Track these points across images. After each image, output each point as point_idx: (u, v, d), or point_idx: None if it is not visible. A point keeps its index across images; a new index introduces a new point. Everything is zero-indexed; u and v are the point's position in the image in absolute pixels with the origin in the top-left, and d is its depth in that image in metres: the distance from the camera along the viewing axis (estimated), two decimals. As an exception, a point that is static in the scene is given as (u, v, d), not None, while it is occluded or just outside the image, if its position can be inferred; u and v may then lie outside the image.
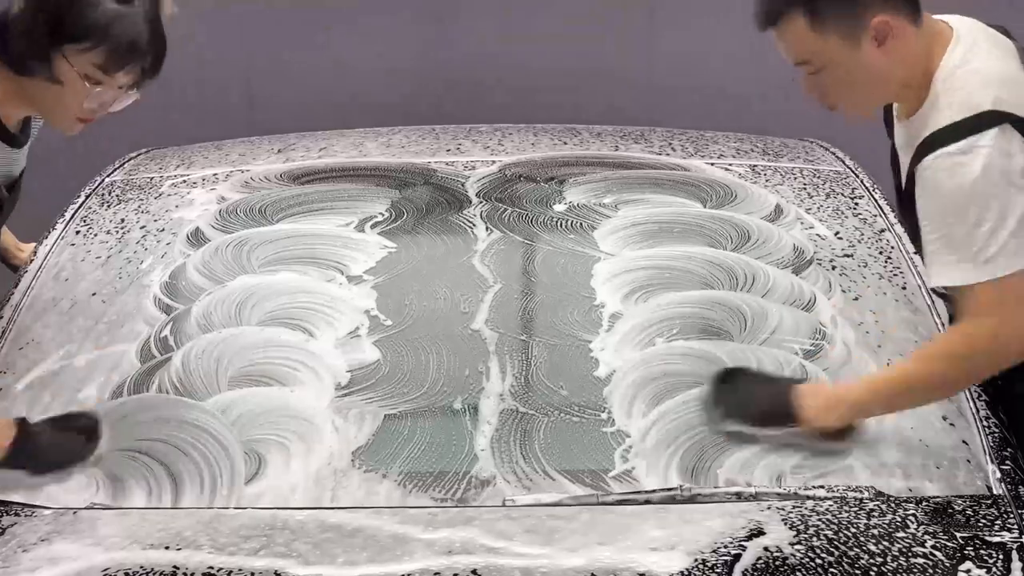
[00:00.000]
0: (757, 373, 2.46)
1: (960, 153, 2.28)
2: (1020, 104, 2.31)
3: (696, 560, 2.05)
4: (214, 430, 2.39)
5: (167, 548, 2.12)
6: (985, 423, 2.41)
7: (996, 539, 2.12)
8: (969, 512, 2.19)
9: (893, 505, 2.21)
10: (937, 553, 2.08)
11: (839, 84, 2.39)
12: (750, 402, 2.39)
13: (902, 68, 2.37)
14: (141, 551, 2.11)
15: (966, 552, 2.08)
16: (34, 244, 3.01)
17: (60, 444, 2.38)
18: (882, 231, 2.90)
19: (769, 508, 2.19)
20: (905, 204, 2.46)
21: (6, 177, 2.67)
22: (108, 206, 3.05)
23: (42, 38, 2.48)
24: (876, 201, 3.01)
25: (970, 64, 2.36)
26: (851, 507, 2.20)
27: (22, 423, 2.38)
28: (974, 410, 2.44)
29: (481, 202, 2.93)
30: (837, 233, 2.87)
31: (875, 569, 2.04)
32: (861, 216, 2.95)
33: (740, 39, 5.39)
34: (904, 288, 2.73)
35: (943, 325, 2.63)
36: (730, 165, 3.13)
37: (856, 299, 2.68)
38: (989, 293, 2.28)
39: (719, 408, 2.38)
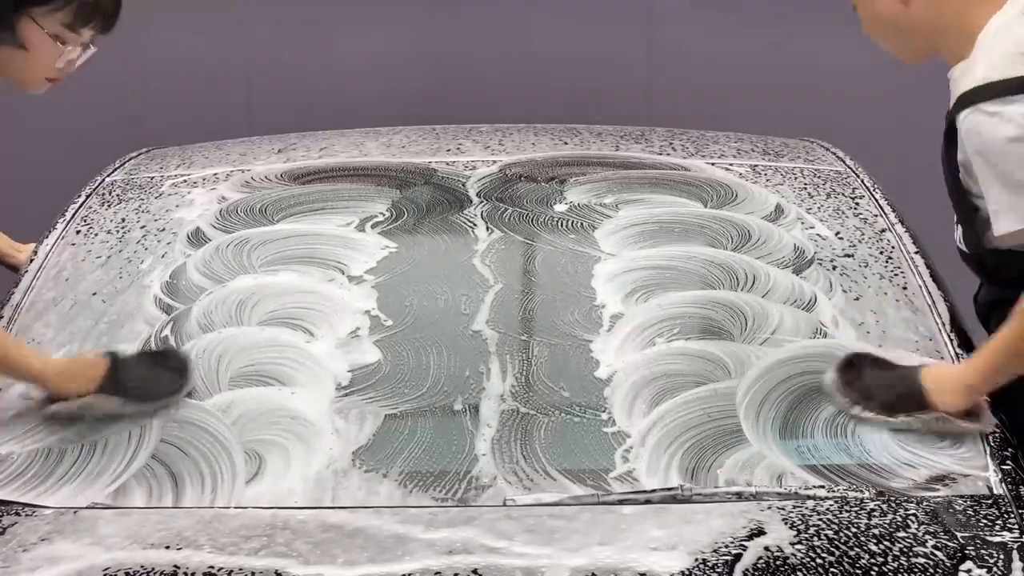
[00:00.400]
0: (879, 359, 2.48)
1: (996, 111, 2.35)
2: None
3: (697, 560, 2.05)
4: (214, 430, 2.39)
5: (167, 548, 2.12)
6: (986, 423, 2.41)
7: (997, 539, 2.12)
8: (970, 512, 2.20)
9: (894, 505, 2.21)
10: (938, 553, 2.08)
11: (879, 31, 2.63)
12: (880, 389, 2.41)
13: (935, 25, 2.50)
14: (141, 551, 2.11)
15: (967, 552, 2.08)
16: (33, 244, 3.01)
17: (154, 378, 2.46)
18: (883, 231, 2.89)
19: (770, 508, 2.19)
20: (946, 150, 2.54)
21: None
22: (108, 206, 3.05)
23: (5, 4, 2.52)
24: (877, 201, 3.01)
25: (1013, 29, 2.42)
26: (852, 507, 2.20)
27: (113, 357, 2.46)
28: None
29: (482, 202, 2.93)
30: (838, 233, 2.87)
31: (876, 569, 2.04)
32: (862, 216, 2.95)
33: (740, 39, 5.40)
34: (905, 288, 2.73)
35: (944, 325, 2.63)
36: (730, 165, 3.13)
37: (857, 299, 2.68)
38: None
39: (848, 396, 2.41)
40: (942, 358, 2.55)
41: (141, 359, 2.52)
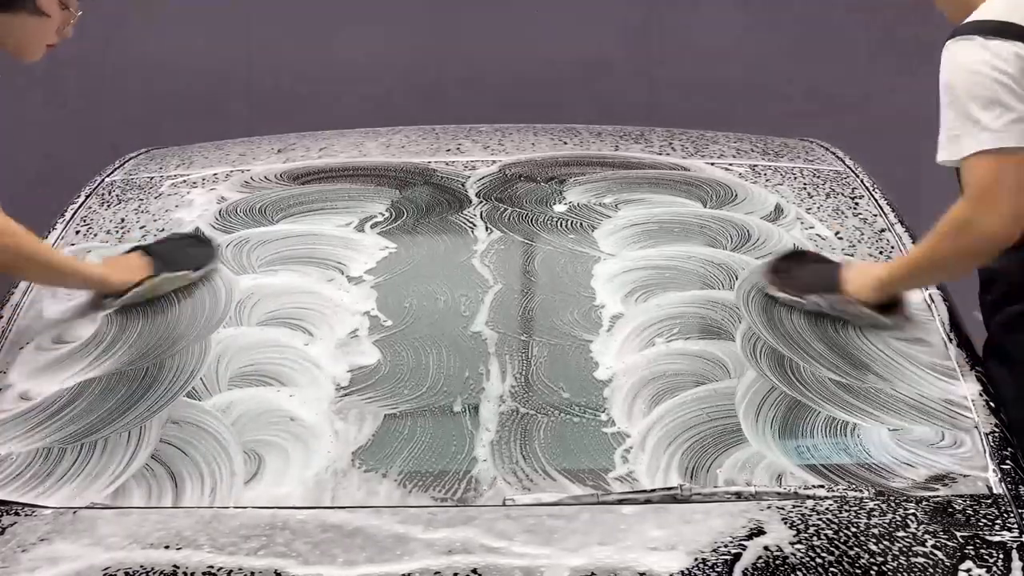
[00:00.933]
0: (814, 253, 2.75)
1: (978, 42, 2.58)
2: None
3: (696, 560, 2.05)
4: (214, 430, 2.39)
5: (167, 548, 2.12)
6: (986, 423, 2.41)
7: (996, 538, 2.12)
8: (969, 512, 2.20)
9: (893, 504, 2.21)
10: (937, 552, 2.08)
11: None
12: (803, 272, 2.68)
13: None
14: (141, 551, 2.12)
15: (966, 551, 2.08)
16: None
17: (187, 253, 2.75)
18: (882, 231, 2.90)
19: (769, 507, 2.19)
20: None
21: None
22: (108, 206, 3.05)
23: None
24: (876, 201, 3.01)
25: None
26: (851, 507, 2.20)
27: (143, 248, 2.76)
28: (974, 409, 2.44)
29: (481, 202, 2.93)
30: (837, 233, 2.87)
31: (875, 568, 2.04)
32: (861, 216, 2.95)
33: (741, 39, 5.41)
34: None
35: (943, 324, 2.63)
36: (730, 165, 3.13)
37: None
38: (983, 166, 2.54)
39: (773, 275, 2.67)
40: (942, 357, 2.55)
41: (168, 243, 2.79)
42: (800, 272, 2.69)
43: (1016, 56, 2.57)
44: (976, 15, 2.63)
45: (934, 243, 2.60)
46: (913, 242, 2.86)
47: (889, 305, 2.63)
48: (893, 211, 2.98)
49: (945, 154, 2.61)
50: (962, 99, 2.57)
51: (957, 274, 2.68)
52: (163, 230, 2.92)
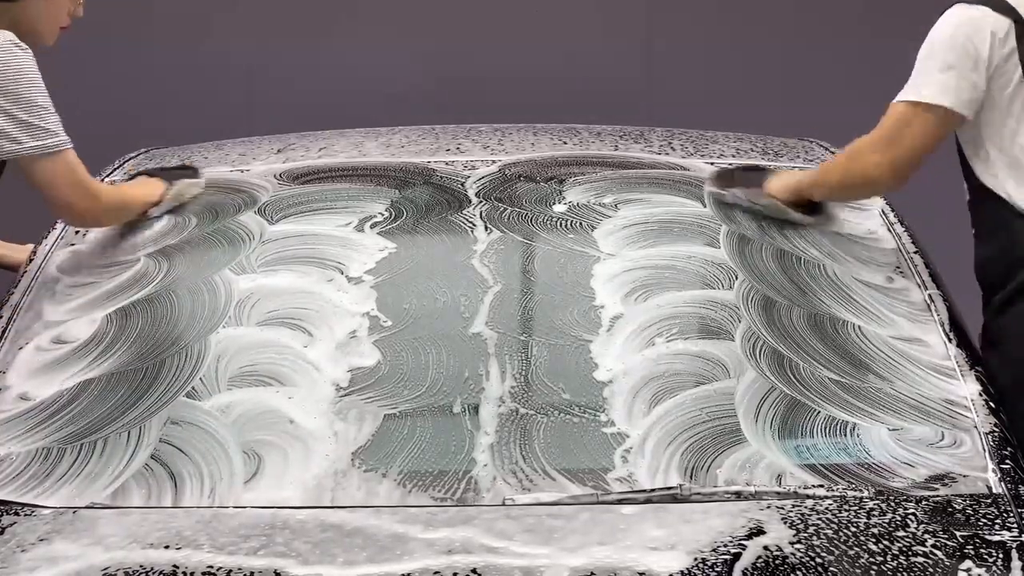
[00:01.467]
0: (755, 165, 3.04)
1: (964, 6, 2.84)
2: None
3: (696, 559, 2.05)
4: (213, 430, 2.39)
5: (167, 547, 2.12)
6: (985, 423, 2.41)
7: (996, 538, 2.12)
8: (969, 511, 2.20)
9: (893, 504, 2.21)
10: (937, 552, 2.08)
11: None
12: (737, 174, 2.97)
13: None
14: (141, 550, 2.12)
15: (966, 551, 2.08)
16: (31, 245, 3.02)
17: (183, 172, 3.02)
18: (880, 228, 2.90)
19: (769, 507, 2.19)
20: None
21: None
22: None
23: None
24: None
25: None
26: (851, 506, 2.20)
27: (148, 173, 3.01)
28: (974, 409, 2.44)
29: (481, 202, 2.93)
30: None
31: (875, 568, 2.04)
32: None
33: (741, 39, 5.40)
34: (904, 288, 2.73)
35: (943, 324, 2.64)
36: (730, 165, 3.13)
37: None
38: (902, 111, 2.82)
39: (714, 178, 2.97)
40: (942, 357, 2.55)
41: (162, 171, 3.02)
42: (736, 173, 2.99)
43: (991, 32, 2.80)
44: None
45: (832, 163, 2.94)
46: (913, 240, 2.87)
47: (808, 208, 2.88)
48: (893, 211, 2.98)
49: (898, 95, 2.86)
50: (930, 53, 2.83)
51: (842, 197, 2.92)
52: (163, 230, 2.92)
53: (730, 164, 3.07)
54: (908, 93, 2.84)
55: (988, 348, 2.83)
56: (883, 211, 2.97)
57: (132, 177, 3.05)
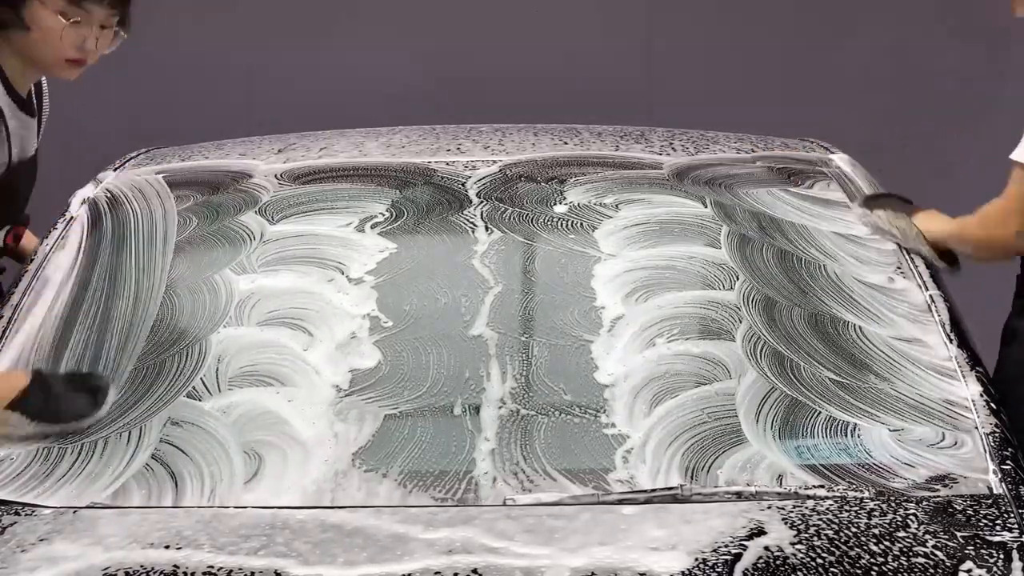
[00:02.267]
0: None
1: None
2: None
3: (697, 560, 2.05)
4: (214, 430, 2.39)
5: (167, 547, 2.12)
6: (986, 423, 2.41)
7: (997, 539, 2.12)
8: (970, 512, 2.20)
9: (894, 505, 2.21)
10: (938, 553, 2.08)
11: None
12: (890, 201, 2.93)
13: None
14: (141, 550, 2.11)
15: (967, 552, 2.08)
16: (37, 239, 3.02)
17: (70, 398, 2.44)
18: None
19: (770, 508, 2.19)
20: None
21: (21, 150, 2.73)
22: (108, 206, 3.05)
23: None
24: (877, 201, 3.01)
25: None
26: (852, 507, 2.20)
27: (37, 373, 2.44)
28: (975, 410, 2.44)
29: (481, 202, 2.93)
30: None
31: (876, 569, 2.04)
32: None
33: (741, 39, 5.40)
34: (904, 288, 2.73)
35: (943, 324, 2.64)
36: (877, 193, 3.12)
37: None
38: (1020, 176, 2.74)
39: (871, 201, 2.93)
40: (939, 359, 2.55)
41: (62, 379, 2.48)
42: (882, 199, 2.94)
43: None
44: None
45: (976, 226, 2.83)
46: None
47: (945, 254, 2.85)
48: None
49: (1014, 154, 2.76)
50: None
51: (982, 258, 2.87)
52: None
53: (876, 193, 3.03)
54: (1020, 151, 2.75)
55: (1005, 346, 2.86)
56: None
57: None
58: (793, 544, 2.09)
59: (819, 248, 2.81)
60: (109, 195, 3.05)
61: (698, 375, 2.48)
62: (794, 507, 2.19)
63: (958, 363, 2.53)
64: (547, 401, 2.44)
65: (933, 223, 2.86)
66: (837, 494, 2.23)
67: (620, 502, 2.22)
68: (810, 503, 2.21)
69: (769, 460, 2.31)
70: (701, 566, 2.04)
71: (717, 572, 2.03)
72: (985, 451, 2.35)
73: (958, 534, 2.13)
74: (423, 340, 2.56)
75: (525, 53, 5.34)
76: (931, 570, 2.04)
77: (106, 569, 2.08)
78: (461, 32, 5.47)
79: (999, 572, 2.04)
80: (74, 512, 2.25)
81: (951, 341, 2.59)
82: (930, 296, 2.70)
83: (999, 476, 2.29)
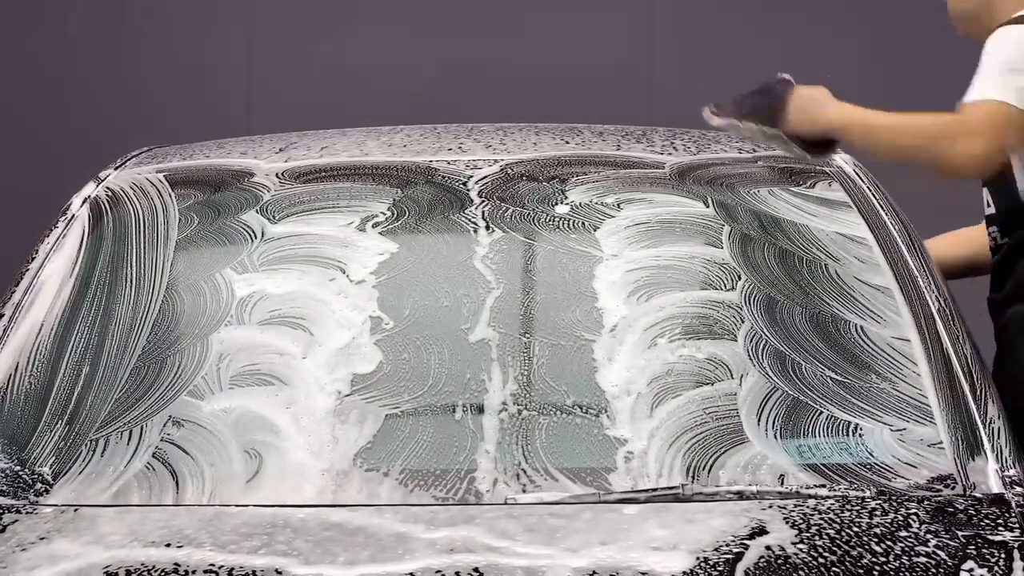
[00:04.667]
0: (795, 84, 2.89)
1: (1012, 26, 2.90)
2: None
3: (698, 559, 2.05)
4: (215, 429, 2.39)
5: (168, 546, 2.12)
6: (987, 422, 2.41)
7: (998, 538, 2.12)
8: (971, 511, 2.19)
9: (895, 504, 2.21)
10: (940, 552, 2.08)
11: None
12: (750, 96, 2.90)
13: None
14: (142, 548, 2.11)
15: (968, 551, 2.08)
16: None
17: None
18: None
19: (771, 507, 2.19)
20: None
21: None
22: (109, 205, 3.05)
23: None
24: (877, 200, 3.01)
25: None
26: (853, 506, 2.19)
27: None
28: (977, 409, 2.44)
29: (483, 201, 2.93)
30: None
31: (878, 568, 2.04)
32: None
33: (741, 39, 5.41)
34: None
35: (943, 324, 2.63)
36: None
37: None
38: (993, 109, 2.81)
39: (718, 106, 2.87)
40: (941, 359, 2.55)
41: None
42: (749, 96, 2.87)
43: None
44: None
45: (924, 127, 2.85)
46: (909, 237, 2.87)
47: (823, 143, 2.83)
48: (895, 210, 2.98)
49: (969, 96, 2.83)
50: (1000, 60, 2.87)
51: (904, 160, 2.92)
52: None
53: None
54: (993, 92, 2.84)
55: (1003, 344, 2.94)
56: (883, 207, 2.97)
57: None
58: (795, 543, 2.09)
59: (820, 248, 2.81)
60: (110, 194, 3.04)
61: (699, 375, 2.48)
62: (796, 506, 2.19)
63: (960, 362, 2.53)
64: (548, 401, 2.44)
65: (813, 116, 2.83)
66: (839, 493, 2.23)
67: (621, 501, 2.22)
68: (812, 502, 2.21)
69: (771, 460, 2.31)
70: (702, 565, 2.04)
71: (719, 571, 2.03)
72: (987, 450, 2.35)
73: (960, 534, 2.13)
74: (424, 339, 2.56)
75: (527, 52, 5.34)
76: (933, 570, 2.04)
77: (107, 567, 2.07)
78: (462, 32, 5.48)
79: (1000, 572, 2.04)
80: (75, 510, 2.24)
81: (952, 340, 2.59)
82: (931, 296, 2.70)
83: (1000, 476, 2.29)
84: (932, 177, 2.90)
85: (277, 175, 3.09)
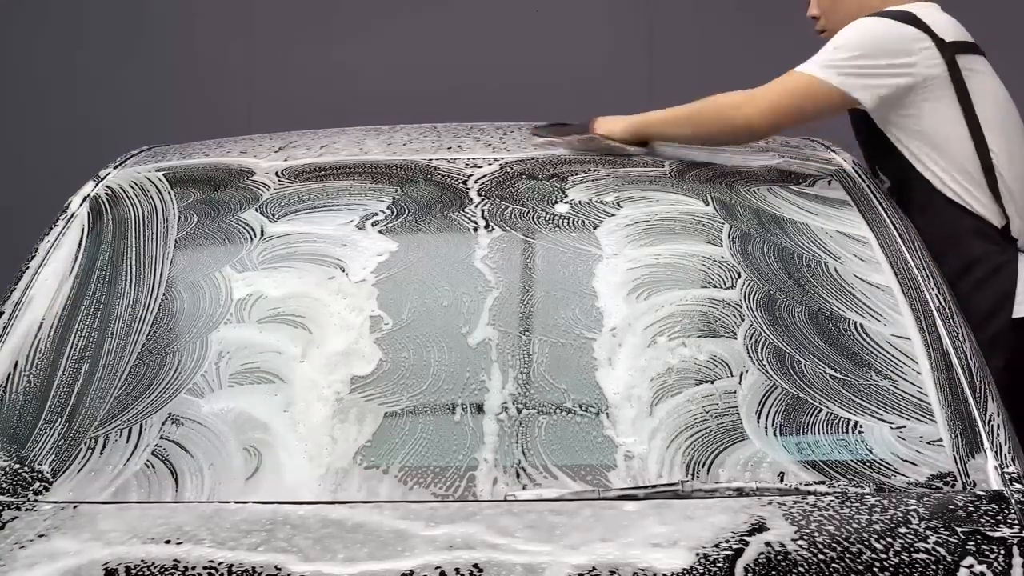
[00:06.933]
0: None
1: (879, 17, 3.19)
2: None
3: (698, 555, 2.05)
4: (214, 427, 2.39)
5: (168, 543, 2.12)
6: (986, 419, 2.41)
7: (997, 534, 2.12)
8: (971, 508, 2.20)
9: (895, 501, 2.21)
10: (939, 549, 2.08)
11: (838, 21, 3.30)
12: (559, 128, 3.22)
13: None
14: (141, 545, 2.11)
15: (967, 547, 2.08)
16: None
17: None
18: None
19: (771, 503, 2.19)
20: None
21: None
22: (109, 204, 3.05)
23: None
24: (877, 199, 3.01)
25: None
26: (853, 503, 2.20)
27: None
28: (976, 406, 2.44)
29: (482, 200, 2.93)
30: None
31: (877, 564, 2.04)
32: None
33: (744, 39, 5.41)
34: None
35: (943, 324, 2.63)
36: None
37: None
38: (798, 81, 3.15)
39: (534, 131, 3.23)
40: (940, 357, 2.55)
41: None
42: (558, 127, 3.21)
43: (914, 37, 3.12)
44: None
45: (706, 103, 3.15)
46: (909, 235, 2.87)
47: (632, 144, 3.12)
48: (894, 209, 2.98)
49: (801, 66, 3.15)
50: (843, 40, 3.14)
51: (704, 136, 3.14)
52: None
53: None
54: (812, 67, 3.15)
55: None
56: (883, 206, 2.98)
57: None
58: (794, 540, 2.09)
59: (820, 246, 2.81)
60: (109, 192, 3.05)
61: (699, 373, 2.48)
62: (795, 503, 2.19)
63: (959, 360, 2.53)
64: (548, 398, 2.44)
65: (618, 122, 3.16)
66: (838, 490, 2.23)
67: (621, 498, 2.22)
68: (811, 499, 2.21)
69: (770, 457, 2.32)
70: (702, 562, 2.04)
71: (718, 568, 2.03)
72: (986, 448, 2.35)
73: (959, 530, 2.13)
74: (424, 337, 2.56)
75: (526, 52, 5.35)
76: (932, 566, 2.04)
77: (107, 564, 2.07)
78: (462, 31, 5.48)
79: (999, 568, 2.04)
80: (75, 507, 2.24)
81: (952, 338, 2.59)
82: (931, 294, 2.70)
83: (999, 472, 2.30)
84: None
85: (276, 174, 3.09)
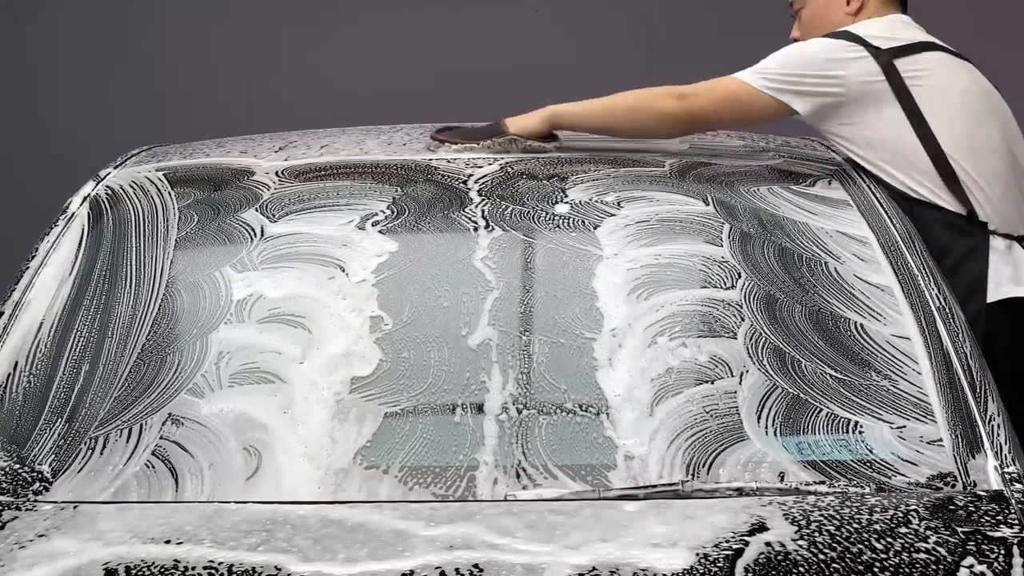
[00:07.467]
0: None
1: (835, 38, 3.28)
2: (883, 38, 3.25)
3: (698, 555, 2.05)
4: (214, 427, 2.39)
5: (167, 542, 2.12)
6: (986, 419, 2.41)
7: (997, 534, 2.12)
8: (971, 508, 2.20)
9: (895, 501, 2.21)
10: (939, 549, 2.08)
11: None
12: (467, 130, 3.24)
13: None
14: (141, 545, 2.11)
15: (968, 547, 2.08)
16: None
17: None
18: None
19: (771, 503, 2.19)
20: None
21: None
22: (109, 203, 3.05)
23: None
24: (877, 199, 3.01)
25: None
26: (853, 503, 2.20)
27: None
28: (977, 406, 2.44)
29: (483, 200, 2.93)
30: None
31: (878, 564, 2.04)
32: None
33: (744, 39, 5.40)
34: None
35: (943, 324, 2.63)
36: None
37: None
38: (731, 85, 3.26)
39: (440, 135, 3.23)
40: (941, 357, 2.55)
41: None
42: (464, 131, 3.22)
43: (845, 50, 3.21)
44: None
45: (628, 96, 3.21)
46: (909, 235, 2.87)
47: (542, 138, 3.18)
48: (894, 209, 2.98)
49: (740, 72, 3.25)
50: (780, 56, 3.24)
51: (625, 128, 3.21)
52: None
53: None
54: (749, 74, 3.24)
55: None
56: (883, 206, 2.98)
57: None
58: (795, 540, 2.09)
59: (820, 246, 2.81)
60: (110, 192, 3.05)
61: (700, 373, 2.48)
62: (795, 503, 2.19)
63: (959, 360, 2.53)
64: (548, 398, 2.44)
65: (531, 117, 3.20)
66: (838, 490, 2.23)
67: (621, 498, 2.22)
68: (811, 499, 2.21)
69: (771, 457, 2.32)
70: (703, 562, 2.04)
71: (718, 568, 2.03)
72: (986, 447, 2.35)
73: (959, 530, 2.13)
74: (424, 337, 2.56)
75: (526, 52, 5.35)
76: (933, 566, 2.04)
77: (106, 564, 2.07)
78: (462, 31, 5.48)
79: (1000, 568, 2.04)
80: (75, 507, 2.24)
81: (952, 338, 2.59)
82: (931, 293, 2.70)
83: (1000, 472, 2.30)
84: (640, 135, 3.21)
85: (277, 174, 3.09)
